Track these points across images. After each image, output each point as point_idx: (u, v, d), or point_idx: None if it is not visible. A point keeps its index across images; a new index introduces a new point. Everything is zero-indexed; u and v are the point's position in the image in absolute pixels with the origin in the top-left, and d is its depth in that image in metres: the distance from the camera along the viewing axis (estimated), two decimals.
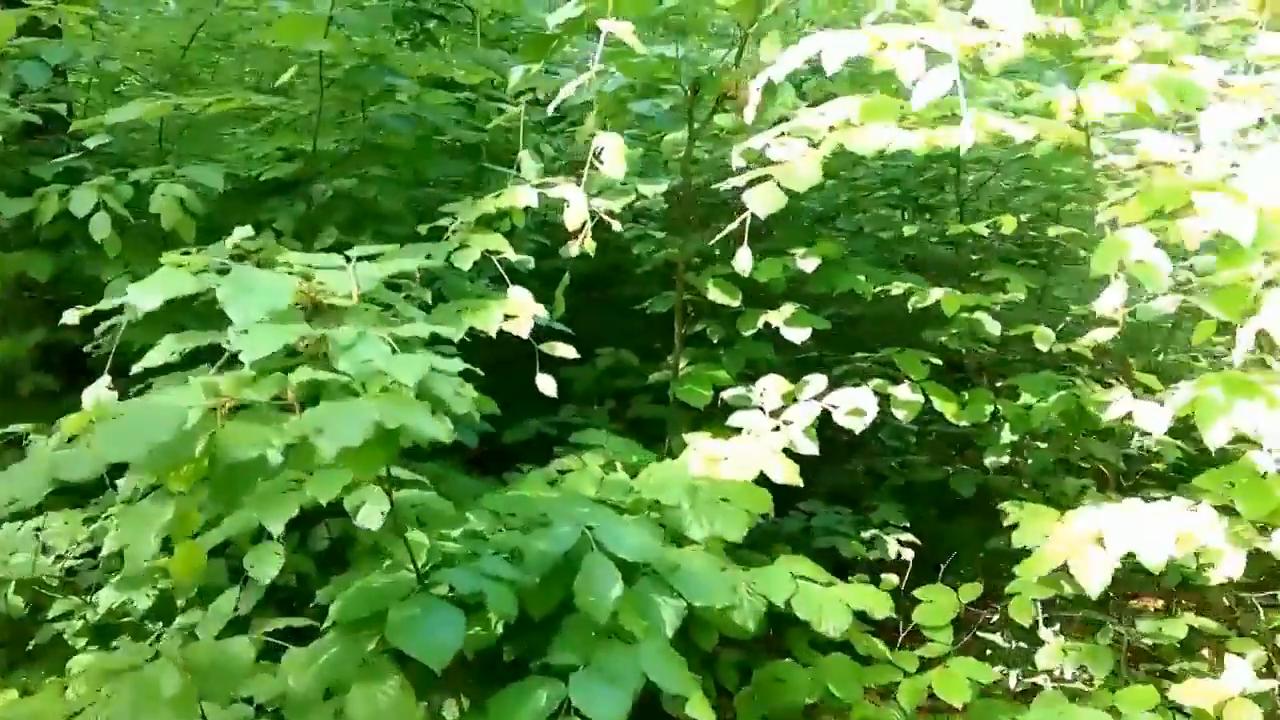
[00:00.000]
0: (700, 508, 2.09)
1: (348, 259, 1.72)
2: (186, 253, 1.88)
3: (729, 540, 2.09)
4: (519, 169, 2.63)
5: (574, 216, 2.36)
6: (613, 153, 2.33)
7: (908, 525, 3.39)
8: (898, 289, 2.99)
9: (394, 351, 1.44)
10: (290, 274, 1.56)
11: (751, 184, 2.34)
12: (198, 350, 1.60)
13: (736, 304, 2.97)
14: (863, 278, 3.04)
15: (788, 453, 2.59)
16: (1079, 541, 2.11)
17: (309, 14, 2.71)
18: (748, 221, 2.30)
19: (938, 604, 2.48)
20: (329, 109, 3.04)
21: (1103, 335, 2.46)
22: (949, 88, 2.25)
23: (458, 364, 1.59)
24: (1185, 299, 2.34)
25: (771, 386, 2.89)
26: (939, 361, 3.12)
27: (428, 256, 2.37)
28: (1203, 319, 2.24)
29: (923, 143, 2.17)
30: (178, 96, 2.71)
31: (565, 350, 2.38)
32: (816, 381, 2.80)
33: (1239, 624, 2.80)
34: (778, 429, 2.71)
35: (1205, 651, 2.88)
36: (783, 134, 2.44)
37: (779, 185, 2.24)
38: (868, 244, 3.52)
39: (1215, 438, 1.94)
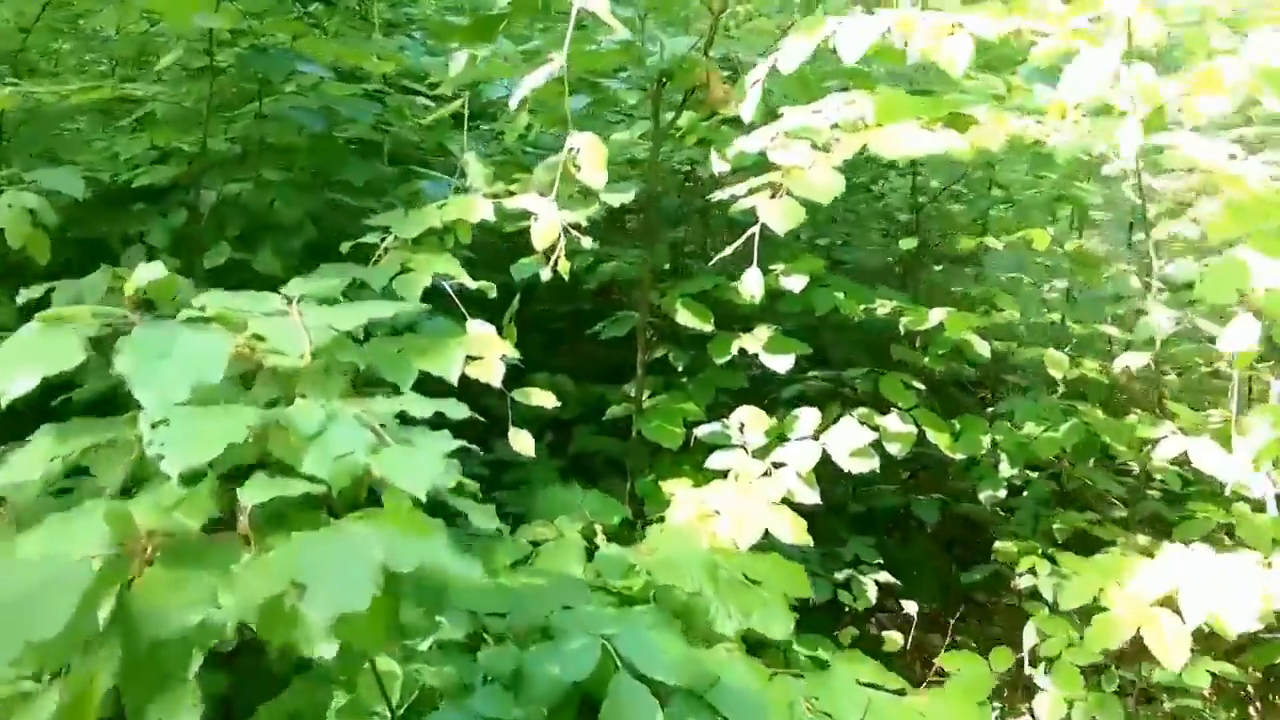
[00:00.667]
0: (726, 593, 1.70)
1: (288, 300, 1.26)
2: (52, 289, 1.38)
3: (771, 638, 1.71)
4: (463, 174, 2.18)
5: (543, 233, 1.95)
6: (591, 156, 1.92)
7: (881, 562, 3.11)
8: (884, 308, 2.68)
9: (380, 440, 1.01)
10: (217, 325, 1.10)
11: (753, 193, 1.99)
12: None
13: (709, 328, 2.60)
14: (841, 294, 2.72)
15: (787, 503, 2.25)
16: (1148, 607, 1.83)
17: None
18: (757, 238, 1.94)
19: (968, 677, 2.15)
20: (217, 101, 2.52)
21: (1135, 362, 2.22)
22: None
23: (449, 440, 1.15)
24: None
25: (751, 422, 2.54)
26: (920, 385, 2.85)
27: (359, 284, 1.91)
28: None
29: (966, 146, 1.86)
30: (29, 85, 2.15)
31: (544, 399, 1.97)
32: (808, 417, 2.46)
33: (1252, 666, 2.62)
34: (768, 473, 2.36)
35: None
36: (779, 134, 2.09)
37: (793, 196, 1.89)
38: (849, 256, 3.22)
39: None
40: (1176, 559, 1.90)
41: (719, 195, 2.02)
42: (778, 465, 2.36)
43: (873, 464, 2.33)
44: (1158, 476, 2.66)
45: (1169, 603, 1.86)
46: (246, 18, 2.37)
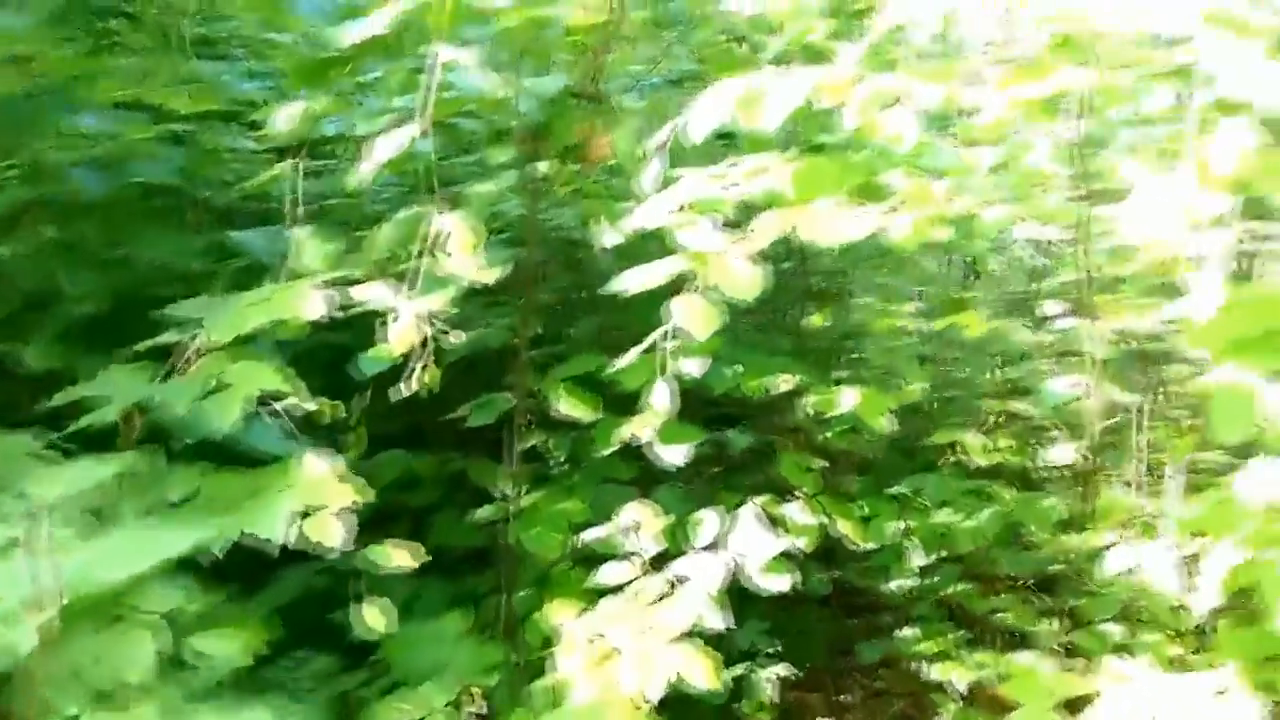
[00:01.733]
0: None
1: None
2: None
3: None
4: (295, 254, 1.76)
5: (401, 335, 1.56)
6: (462, 240, 1.55)
7: (779, 649, 2.84)
8: (786, 385, 2.41)
9: None
10: None
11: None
12: None
13: (595, 417, 2.25)
14: (740, 367, 2.43)
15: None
16: None
17: None
18: (668, 342, 1.61)
19: None
20: None
21: (1065, 457, 2.02)
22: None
23: None
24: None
25: (645, 523, 2.21)
26: (821, 462, 2.59)
27: (144, 408, 1.47)
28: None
29: (907, 230, 1.59)
30: None
31: (403, 557, 1.57)
32: (710, 522, 2.15)
33: None
34: (670, 592, 2.03)
35: None
36: (681, 207, 1.77)
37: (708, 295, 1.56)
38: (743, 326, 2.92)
39: None
40: (1139, 686, 1.69)
41: (614, 287, 1.68)
42: (680, 580, 2.04)
43: (791, 580, 2.04)
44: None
45: None
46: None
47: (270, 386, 1.52)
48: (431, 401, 2.87)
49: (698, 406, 2.58)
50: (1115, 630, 2.37)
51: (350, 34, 1.65)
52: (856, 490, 2.61)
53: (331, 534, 1.36)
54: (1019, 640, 2.53)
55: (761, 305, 3.22)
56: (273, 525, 1.33)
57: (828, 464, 2.62)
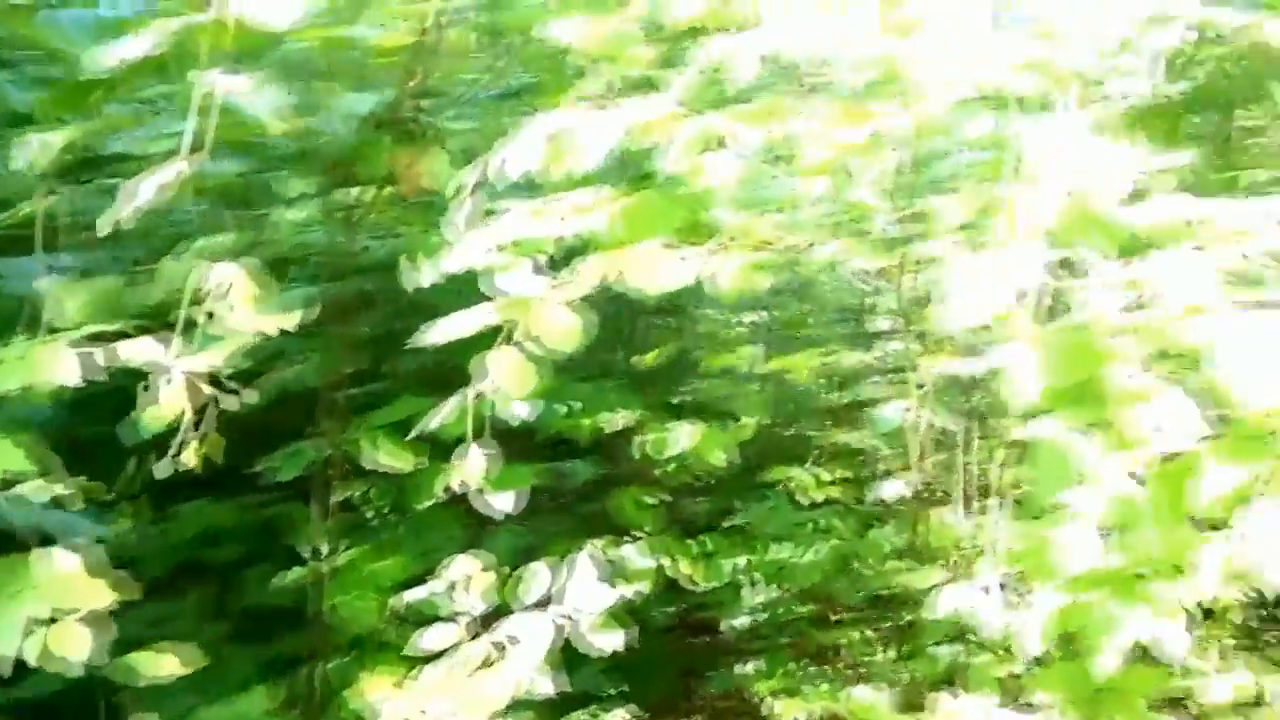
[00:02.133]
0: None
1: None
2: None
3: None
4: (52, 306, 1.53)
5: (171, 399, 1.36)
6: (244, 292, 1.37)
7: (626, 689, 2.73)
8: (624, 421, 2.32)
9: None
10: None
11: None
12: None
13: (415, 466, 2.09)
14: (577, 404, 2.32)
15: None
16: None
17: None
18: (474, 398, 1.48)
19: None
20: None
21: (894, 490, 2.01)
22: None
23: None
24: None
25: (473, 578, 2.06)
26: (658, 499, 2.52)
27: None
28: None
29: (735, 274, 1.51)
30: None
31: (172, 666, 1.37)
32: (540, 575, 2.02)
33: None
34: (498, 657, 1.89)
35: None
36: (498, 246, 1.65)
37: (526, 347, 1.44)
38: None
39: (1107, 664, 1.52)
40: None
41: (419, 340, 1.54)
42: (510, 641, 1.91)
43: (626, 638, 1.93)
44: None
45: None
46: None
47: (14, 467, 1.30)
48: (244, 441, 2.64)
49: (532, 446, 2.46)
50: (947, 653, 2.40)
51: (112, 55, 1.44)
52: (697, 525, 2.55)
53: (79, 645, 1.15)
54: (860, 670, 2.52)
55: (600, 341, 3.13)
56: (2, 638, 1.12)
57: (669, 497, 2.55)
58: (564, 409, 2.38)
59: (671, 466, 2.54)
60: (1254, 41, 1.48)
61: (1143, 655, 1.58)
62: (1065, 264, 1.56)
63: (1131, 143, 2.92)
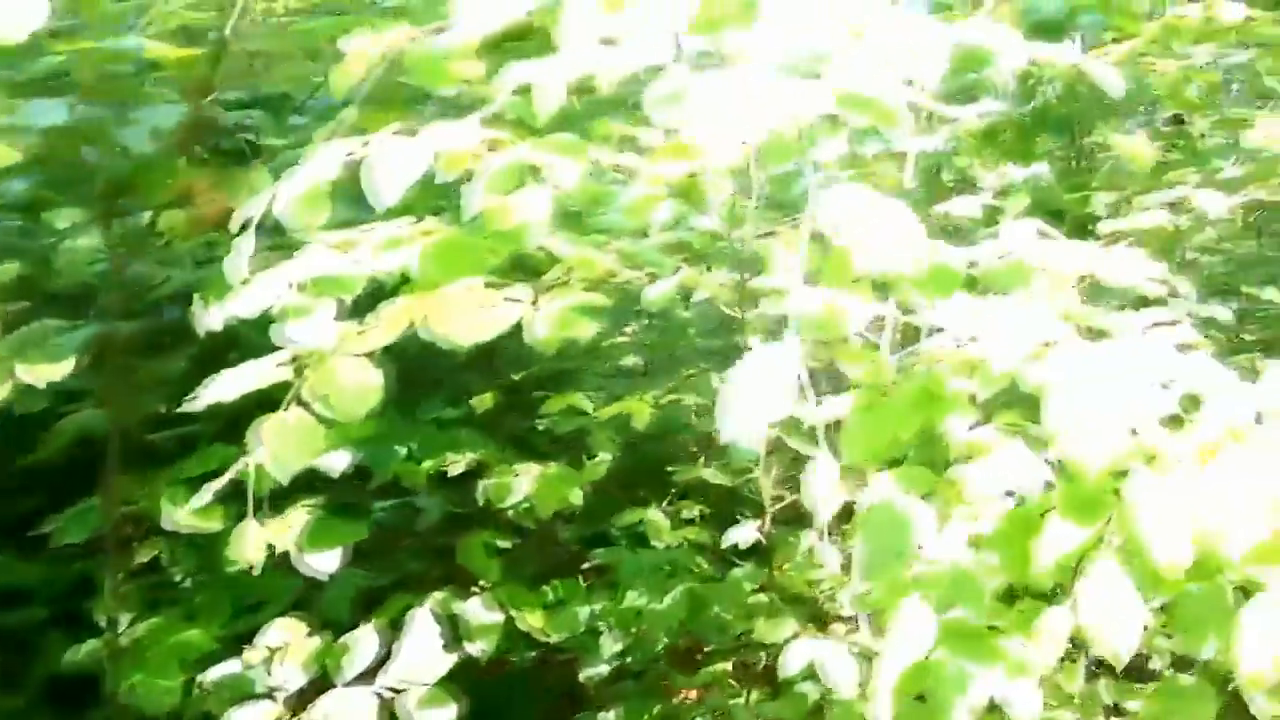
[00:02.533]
0: None
1: None
2: None
3: None
4: None
5: None
6: None
7: None
8: (468, 463, 2.15)
9: None
10: None
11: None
12: None
13: (222, 525, 1.88)
14: (414, 445, 2.14)
15: None
16: None
17: None
18: (254, 467, 1.29)
19: None
20: None
21: (748, 535, 1.90)
22: None
23: None
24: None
25: (293, 643, 1.87)
26: (509, 542, 2.36)
27: None
28: None
29: (555, 324, 1.37)
30: None
31: None
32: (366, 643, 1.84)
33: None
34: None
35: None
36: (294, 285, 1.47)
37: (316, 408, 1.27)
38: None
39: None
40: None
41: (190, 405, 1.34)
42: None
43: (453, 713, 1.76)
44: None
45: None
46: None
47: None
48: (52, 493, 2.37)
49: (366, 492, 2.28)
50: (813, 688, 2.32)
51: None
52: (550, 570, 2.40)
53: None
54: (724, 713, 2.42)
55: (455, 368, 2.96)
56: None
57: (519, 540, 2.40)
58: (404, 450, 2.21)
59: (525, 506, 2.38)
60: (1080, 72, 1.42)
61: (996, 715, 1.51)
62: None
63: (989, 158, 2.92)
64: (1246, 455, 1.14)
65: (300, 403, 1.29)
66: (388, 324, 1.31)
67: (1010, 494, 1.32)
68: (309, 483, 1.94)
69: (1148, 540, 1.15)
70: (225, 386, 1.32)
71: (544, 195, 1.27)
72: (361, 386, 1.27)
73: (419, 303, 1.35)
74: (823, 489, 1.00)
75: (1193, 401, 1.24)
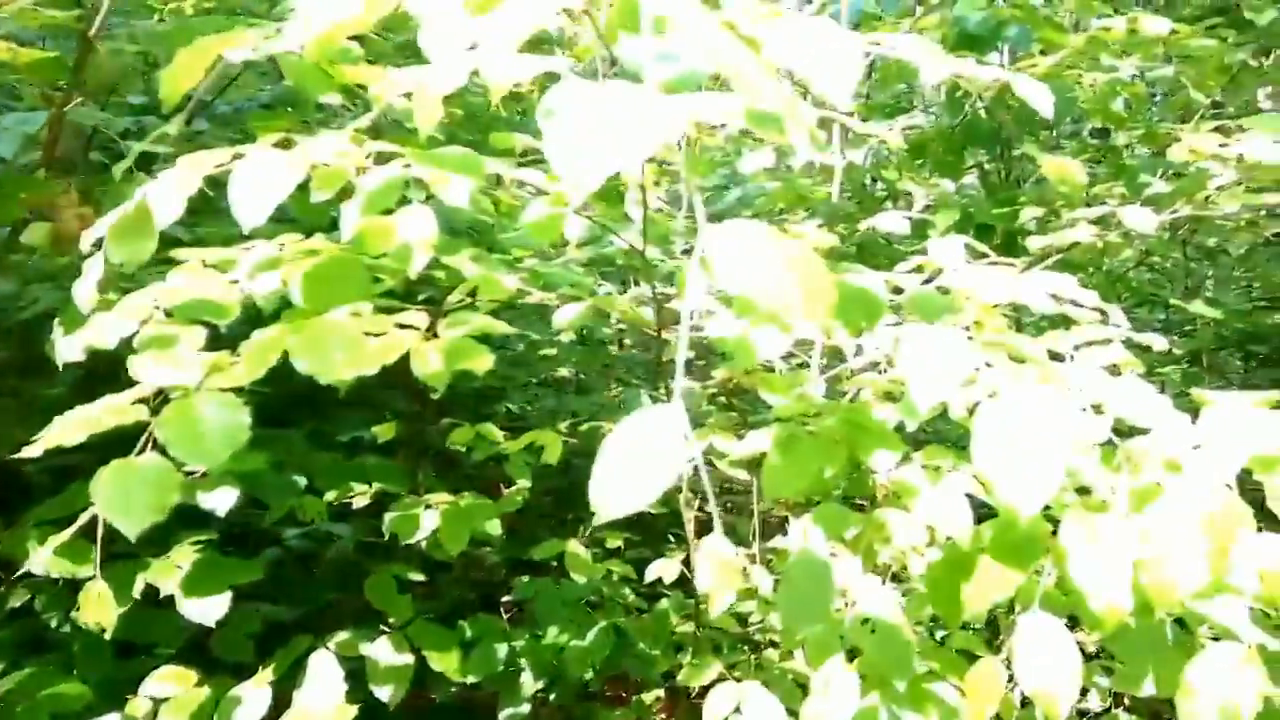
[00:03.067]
0: None
1: None
2: None
3: None
4: None
5: None
6: None
7: None
8: (361, 497, 2.01)
9: None
10: None
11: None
12: None
13: (93, 570, 1.71)
14: (302, 480, 2.00)
15: None
16: None
17: None
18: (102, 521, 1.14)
19: None
20: None
21: (668, 572, 1.80)
22: None
23: None
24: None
25: (174, 696, 1.71)
26: (421, 575, 2.22)
27: None
28: None
29: (442, 358, 1.24)
30: None
31: None
32: (257, 692, 1.69)
33: None
34: None
35: None
36: (155, 312, 1.32)
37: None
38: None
39: None
40: None
41: (42, 442, 1.19)
42: None
43: None
44: None
45: None
46: None
47: None
48: None
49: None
50: None
51: None
52: (465, 607, 2.27)
53: None
54: None
55: (373, 390, 2.80)
56: None
57: (427, 577, 2.26)
58: (303, 482, 2.07)
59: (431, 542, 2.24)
60: (1003, 86, 1.35)
61: None
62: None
63: (919, 172, 2.86)
64: (1184, 492, 1.07)
65: (156, 445, 1.14)
66: (253, 356, 1.17)
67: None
68: (203, 515, 1.79)
69: (1084, 586, 1.07)
70: (70, 429, 1.17)
71: (427, 214, 1.14)
72: (227, 426, 1.13)
73: (291, 332, 1.21)
74: (708, 579, 0.89)
75: (1128, 426, 1.17)
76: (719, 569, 0.94)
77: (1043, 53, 2.49)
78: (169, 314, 1.36)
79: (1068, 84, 2.49)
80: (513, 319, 2.22)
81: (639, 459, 0.56)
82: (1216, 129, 2.40)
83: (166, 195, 1.17)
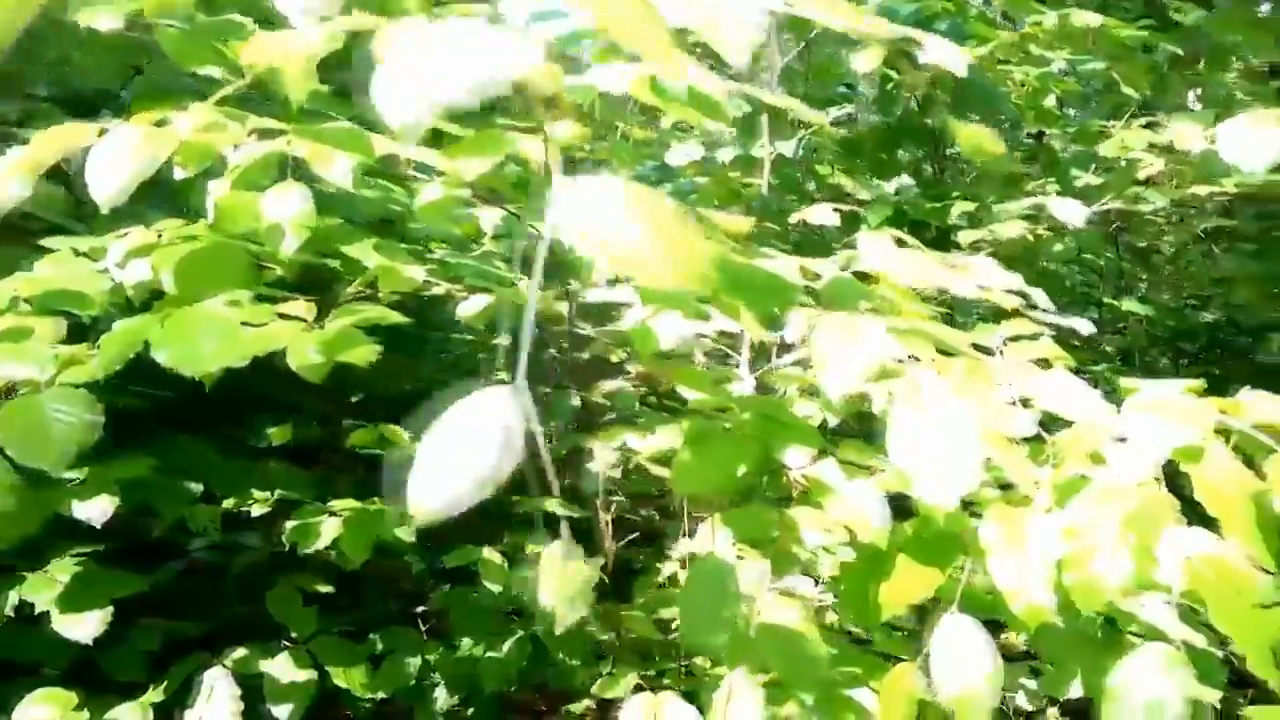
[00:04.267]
0: None
1: None
2: None
3: None
4: None
5: None
6: None
7: None
8: (261, 505, 1.89)
9: None
10: None
11: None
12: None
13: None
14: (201, 485, 1.88)
15: None
16: None
17: None
18: None
19: None
20: None
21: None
22: None
23: None
24: None
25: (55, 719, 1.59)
26: (329, 587, 2.10)
27: None
28: None
29: (325, 354, 1.14)
30: None
31: None
32: (137, 716, 1.57)
33: None
34: None
35: None
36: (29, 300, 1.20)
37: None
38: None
39: None
40: None
41: None
42: None
43: None
44: None
45: None
46: None
47: None
48: None
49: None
50: None
51: None
52: (379, 617, 2.16)
53: None
54: None
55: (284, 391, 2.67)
56: None
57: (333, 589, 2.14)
58: (197, 489, 1.94)
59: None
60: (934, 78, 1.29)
61: None
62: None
63: (853, 168, 2.82)
64: (1107, 487, 1.01)
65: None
66: (110, 347, 1.06)
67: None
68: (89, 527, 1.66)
69: (1004, 586, 1.01)
70: None
71: (301, 191, 1.05)
72: (76, 425, 1.02)
73: (157, 321, 1.11)
74: (547, 595, 0.81)
75: (1054, 419, 1.12)
76: (560, 581, 0.85)
77: (975, 48, 2.46)
78: (29, 304, 1.25)
79: (998, 78, 2.47)
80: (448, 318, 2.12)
81: (465, 449, 0.47)
82: (1147, 126, 2.39)
83: (7, 174, 1.06)
